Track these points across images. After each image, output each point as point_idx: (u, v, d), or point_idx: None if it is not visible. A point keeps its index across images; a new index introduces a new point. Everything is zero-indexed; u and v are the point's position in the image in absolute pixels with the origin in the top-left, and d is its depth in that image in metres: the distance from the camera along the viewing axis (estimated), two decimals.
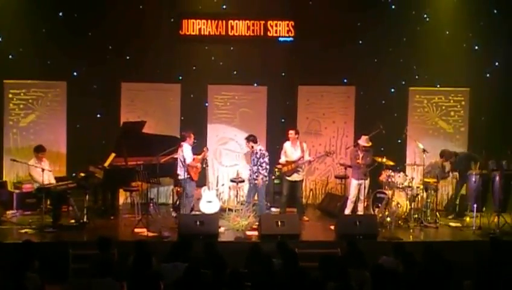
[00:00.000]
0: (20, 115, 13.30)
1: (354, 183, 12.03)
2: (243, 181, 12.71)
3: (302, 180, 12.29)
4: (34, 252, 7.83)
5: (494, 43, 13.62)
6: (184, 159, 11.36)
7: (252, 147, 11.88)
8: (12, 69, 13.16)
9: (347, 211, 11.98)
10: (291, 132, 12.04)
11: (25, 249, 7.86)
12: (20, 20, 13.07)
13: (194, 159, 11.54)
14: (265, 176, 11.76)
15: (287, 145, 12.08)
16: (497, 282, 6.75)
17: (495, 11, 13.60)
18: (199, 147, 12.02)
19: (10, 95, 13.30)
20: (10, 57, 13.24)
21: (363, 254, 7.84)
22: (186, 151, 11.45)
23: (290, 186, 12.02)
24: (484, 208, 12.13)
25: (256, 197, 11.89)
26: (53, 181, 11.48)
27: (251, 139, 11.93)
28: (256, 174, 11.74)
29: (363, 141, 11.92)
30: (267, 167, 11.78)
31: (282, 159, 12.07)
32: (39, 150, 11.42)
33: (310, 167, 13.43)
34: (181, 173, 11.45)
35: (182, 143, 11.52)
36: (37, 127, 13.30)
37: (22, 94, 13.31)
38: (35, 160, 11.33)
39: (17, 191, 12.49)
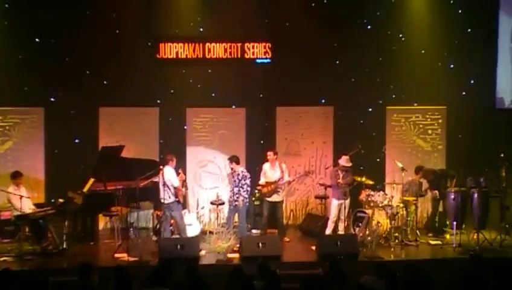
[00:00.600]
0: None
1: (334, 203, 12.08)
2: (223, 203, 12.72)
3: (282, 201, 12.33)
4: (13, 280, 7.75)
5: (469, 61, 13.80)
6: (171, 183, 11.34)
7: (232, 168, 11.89)
8: None
9: (328, 231, 12.01)
10: (270, 153, 12.09)
11: (4, 277, 7.78)
12: None
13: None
14: (246, 198, 11.76)
15: (266, 166, 12.13)
16: None
17: (469, 30, 13.81)
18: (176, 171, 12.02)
19: None
20: None
21: (345, 274, 7.85)
22: (171, 175, 11.43)
23: (270, 207, 12.05)
24: (463, 225, 12.22)
25: (236, 219, 11.89)
26: (32, 207, 11.39)
27: (234, 159, 11.94)
28: (237, 195, 11.75)
29: (344, 161, 11.99)
30: (249, 188, 11.79)
31: (262, 181, 12.12)
32: (16, 176, 11.36)
33: (290, 187, 13.47)
34: (166, 196, 11.34)
35: (165, 166, 11.47)
36: (15, 154, 13.22)
37: None
38: (13, 186, 11.25)
39: None
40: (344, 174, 11.97)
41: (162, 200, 11.39)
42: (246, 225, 12.15)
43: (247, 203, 11.92)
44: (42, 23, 13.11)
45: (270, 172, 12.07)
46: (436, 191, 12.76)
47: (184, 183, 12.00)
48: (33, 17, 13.08)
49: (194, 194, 13.60)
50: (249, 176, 11.87)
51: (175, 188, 11.39)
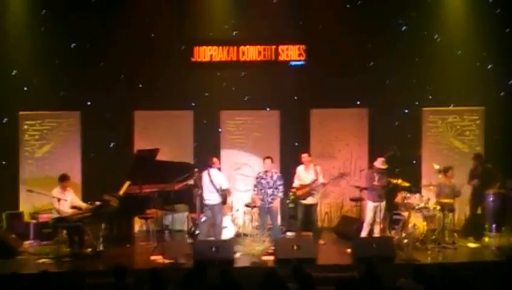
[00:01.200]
0: (36, 146, 13.46)
1: (370, 206, 11.99)
2: (257, 206, 12.70)
3: (317, 203, 12.28)
4: (51, 282, 7.87)
5: (508, 62, 13.58)
6: (220, 185, 11.51)
7: (266, 170, 11.85)
8: (27, 101, 13.37)
9: (364, 234, 11.92)
10: (305, 155, 12.05)
11: (42, 279, 7.90)
12: (33, 52, 13.31)
13: None
14: (281, 198, 11.87)
15: (301, 168, 12.09)
16: None
17: (507, 30, 13.59)
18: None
19: (25, 126, 13.48)
20: (25, 88, 13.43)
21: (380, 277, 7.79)
22: (221, 177, 11.62)
23: (304, 210, 12.00)
24: (503, 228, 12.04)
25: (269, 221, 11.88)
26: (83, 205, 11.47)
27: (271, 158, 11.97)
28: (271, 197, 11.75)
29: (379, 163, 11.90)
30: (283, 189, 11.83)
31: (296, 183, 12.07)
32: (63, 179, 11.45)
33: (325, 190, 13.40)
34: (212, 197, 11.50)
35: (210, 168, 11.58)
36: (52, 157, 13.44)
37: (36, 125, 13.50)
38: (59, 189, 11.38)
39: (33, 221, 12.57)
40: (380, 177, 11.88)
41: (206, 201, 11.50)
42: (280, 226, 12.12)
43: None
44: (77, 28, 13.29)
45: (304, 174, 12.04)
46: (476, 180, 12.49)
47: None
48: (69, 23, 13.27)
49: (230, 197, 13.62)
50: (282, 176, 11.87)
51: (223, 190, 11.54)
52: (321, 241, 12.13)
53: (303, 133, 13.87)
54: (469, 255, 11.41)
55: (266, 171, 11.84)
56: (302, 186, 11.97)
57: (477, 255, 11.34)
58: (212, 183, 11.49)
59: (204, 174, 11.60)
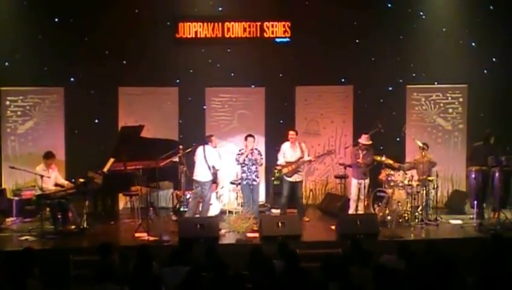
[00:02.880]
0: (18, 122, 13.29)
1: (354, 183, 12.03)
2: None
3: (302, 180, 12.28)
4: (34, 259, 7.80)
5: (491, 39, 13.55)
6: (213, 164, 11.53)
7: (247, 145, 11.82)
8: (9, 76, 13.14)
9: (351, 211, 11.96)
10: (292, 133, 12.00)
11: (25, 257, 7.83)
12: (16, 27, 13.07)
13: None
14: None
15: (286, 146, 12.05)
16: (499, 278, 6.73)
17: (491, 7, 13.56)
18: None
19: (7, 102, 13.28)
20: (6, 64, 13.20)
21: (368, 252, 7.81)
22: (216, 157, 11.64)
23: (290, 187, 11.99)
24: (484, 205, 12.12)
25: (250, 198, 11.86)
26: (65, 183, 11.38)
27: (253, 136, 11.93)
28: (255, 173, 11.73)
29: (364, 139, 11.90)
30: (262, 160, 11.98)
31: (281, 160, 12.03)
32: (47, 157, 11.29)
33: (310, 167, 13.42)
34: (203, 174, 11.52)
35: (206, 145, 11.62)
36: (35, 134, 13.29)
37: (19, 101, 13.31)
38: (43, 166, 11.24)
39: (16, 198, 12.44)
40: (364, 154, 11.89)
41: (197, 177, 11.49)
42: (265, 203, 12.14)
43: None
44: (61, 2, 13.09)
45: (290, 152, 12.00)
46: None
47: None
48: None
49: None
50: (260, 151, 12.01)
51: (216, 169, 11.58)
52: (306, 219, 12.15)
53: (288, 110, 13.82)
54: (451, 231, 11.43)
55: (252, 149, 11.76)
56: (289, 164, 11.94)
57: (459, 231, 11.37)
58: (205, 159, 11.46)
59: (199, 150, 11.59)
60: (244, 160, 11.72)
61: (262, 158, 11.95)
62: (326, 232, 11.28)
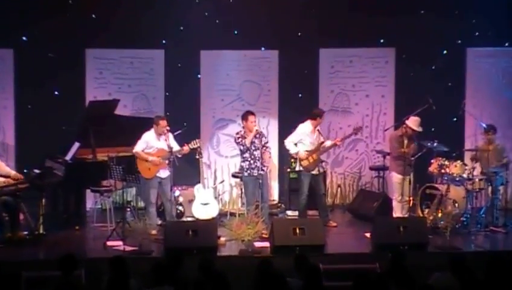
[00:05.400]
0: None
1: (396, 178, 12.03)
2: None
3: (325, 171, 12.31)
4: None
5: None
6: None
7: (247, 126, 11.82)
8: None
9: (396, 215, 11.97)
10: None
11: None
12: None
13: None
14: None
15: (307, 129, 11.99)
16: None
17: None
18: (190, 134, 12.01)
19: None
20: None
21: (414, 269, 7.81)
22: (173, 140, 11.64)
23: (312, 182, 12.04)
24: None
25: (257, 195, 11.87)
26: (12, 173, 11.36)
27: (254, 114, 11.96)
28: (260, 161, 11.72)
29: (415, 124, 11.82)
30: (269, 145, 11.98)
31: (300, 149, 11.94)
32: None
33: (336, 156, 13.51)
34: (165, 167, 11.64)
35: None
36: None
37: None
38: None
39: None
40: (409, 141, 11.87)
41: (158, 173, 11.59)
42: (278, 203, 12.18)
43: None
44: None
45: (311, 137, 12.00)
46: None
47: (198, 150, 11.98)
48: None
49: (211, 164, 13.69)
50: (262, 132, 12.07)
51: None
52: (332, 223, 12.20)
53: (309, 80, 13.86)
54: None
55: (257, 131, 11.75)
56: (309, 154, 11.93)
57: None
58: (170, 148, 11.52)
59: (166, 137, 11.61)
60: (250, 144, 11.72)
61: (267, 141, 11.90)
62: (359, 242, 11.34)
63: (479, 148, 12.26)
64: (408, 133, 11.91)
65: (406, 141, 11.91)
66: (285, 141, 12.12)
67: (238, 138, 11.76)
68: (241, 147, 11.74)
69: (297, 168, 12.19)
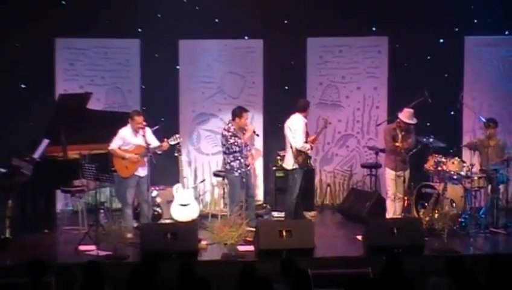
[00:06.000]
0: None
1: (390, 175, 12.07)
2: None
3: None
4: None
5: None
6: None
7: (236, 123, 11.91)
8: None
9: (390, 215, 12.01)
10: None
11: None
12: None
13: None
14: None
15: (302, 123, 12.04)
16: None
17: None
18: (168, 130, 12.01)
19: None
20: None
21: (410, 273, 7.81)
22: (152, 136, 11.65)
23: (303, 179, 12.15)
24: None
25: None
26: None
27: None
28: (246, 159, 11.86)
29: (406, 116, 11.88)
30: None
31: (302, 143, 11.99)
32: None
33: (325, 152, 13.54)
34: (143, 166, 11.63)
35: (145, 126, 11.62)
36: None
37: None
38: None
39: None
40: (404, 135, 11.88)
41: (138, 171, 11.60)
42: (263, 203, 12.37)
43: None
44: None
45: (306, 129, 12.13)
46: None
47: (177, 147, 11.98)
48: None
49: (191, 162, 13.68)
50: None
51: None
52: (311, 214, 12.44)
53: (296, 71, 13.87)
54: None
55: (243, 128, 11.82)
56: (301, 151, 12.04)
57: None
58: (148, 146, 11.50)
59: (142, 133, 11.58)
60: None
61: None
62: (350, 245, 11.38)
63: (478, 143, 12.27)
64: (402, 126, 11.93)
65: (400, 135, 11.92)
66: (297, 145, 12.00)
67: (231, 136, 11.78)
68: (236, 148, 11.77)
69: (293, 166, 12.15)
